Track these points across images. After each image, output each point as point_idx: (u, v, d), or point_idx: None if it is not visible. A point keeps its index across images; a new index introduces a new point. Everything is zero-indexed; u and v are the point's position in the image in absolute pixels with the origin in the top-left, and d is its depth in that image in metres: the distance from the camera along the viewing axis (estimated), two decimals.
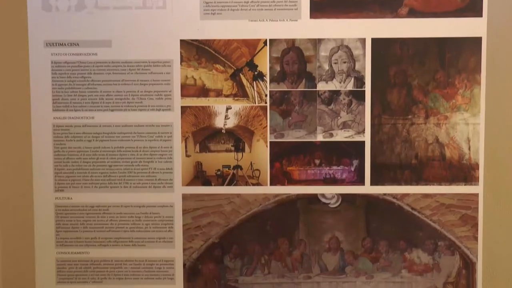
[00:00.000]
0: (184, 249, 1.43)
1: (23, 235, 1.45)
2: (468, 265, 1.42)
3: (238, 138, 1.42)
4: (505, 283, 1.45)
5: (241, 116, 1.41)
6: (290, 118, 1.41)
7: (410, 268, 1.43)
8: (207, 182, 1.42)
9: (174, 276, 1.43)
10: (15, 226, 1.46)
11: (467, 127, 1.40)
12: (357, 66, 1.39)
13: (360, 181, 1.41)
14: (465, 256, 1.42)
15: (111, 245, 1.43)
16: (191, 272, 1.44)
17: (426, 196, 1.41)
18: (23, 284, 1.46)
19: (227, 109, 1.41)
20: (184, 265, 1.43)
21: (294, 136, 1.41)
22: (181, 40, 1.39)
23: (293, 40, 1.39)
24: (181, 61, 1.39)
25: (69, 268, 1.44)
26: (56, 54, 1.40)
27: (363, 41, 1.38)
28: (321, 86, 1.40)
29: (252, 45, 1.39)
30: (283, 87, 1.40)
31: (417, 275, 1.43)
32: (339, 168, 1.42)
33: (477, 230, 1.41)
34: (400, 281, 1.43)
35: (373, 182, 1.41)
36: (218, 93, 1.41)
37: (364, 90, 1.40)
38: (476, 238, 1.41)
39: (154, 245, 1.43)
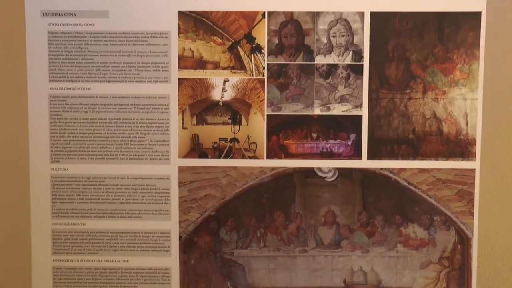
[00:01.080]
0: (180, 222, 1.48)
1: (19, 207, 1.50)
2: (464, 240, 1.47)
3: (235, 111, 1.46)
4: (500, 259, 1.50)
5: (239, 89, 1.46)
6: (288, 91, 1.45)
7: (406, 243, 1.48)
8: (203, 155, 1.47)
9: (170, 248, 1.48)
10: (11, 197, 1.51)
11: (465, 102, 1.44)
12: (356, 40, 1.44)
13: (357, 155, 1.46)
14: (460, 231, 1.47)
15: (107, 216, 1.48)
16: (187, 244, 1.49)
17: (422, 171, 1.46)
18: (19, 254, 1.51)
19: (225, 81, 1.46)
20: (180, 237, 1.48)
21: (291, 109, 1.45)
22: (179, 12, 1.43)
23: (292, 13, 1.43)
24: (179, 32, 1.43)
25: (65, 239, 1.49)
26: (53, 24, 1.44)
27: (361, 14, 1.43)
28: (319, 60, 1.45)
29: (250, 17, 1.43)
30: (281, 60, 1.45)
31: (412, 250, 1.48)
32: (336, 142, 1.46)
33: (473, 205, 1.46)
34: (395, 255, 1.48)
35: (370, 157, 1.46)
36: (216, 66, 1.45)
37: (362, 64, 1.44)
38: (472, 214, 1.46)
39: (150, 217, 1.48)
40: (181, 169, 1.47)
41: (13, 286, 1.55)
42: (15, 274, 1.54)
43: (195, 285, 1.50)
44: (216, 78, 1.46)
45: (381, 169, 1.47)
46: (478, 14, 1.42)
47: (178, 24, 1.44)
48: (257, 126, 1.46)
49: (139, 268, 1.50)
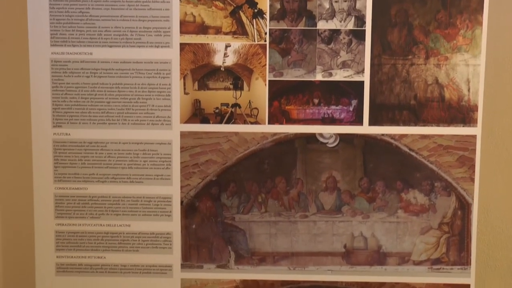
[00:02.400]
0: (181, 187, 1.55)
1: (21, 170, 1.57)
2: (464, 206, 1.54)
3: (237, 76, 1.53)
4: (499, 225, 1.58)
5: (240, 54, 1.52)
6: (289, 56, 1.51)
7: (406, 209, 1.55)
8: (205, 120, 1.53)
9: (172, 213, 1.56)
10: (13, 162, 1.59)
11: (467, 68, 1.50)
12: (358, 5, 1.49)
13: (359, 121, 1.53)
14: (461, 197, 1.54)
15: (109, 181, 1.56)
16: (188, 209, 1.56)
17: (424, 137, 1.53)
18: (22, 219, 1.59)
19: (226, 46, 1.52)
20: (182, 202, 1.56)
21: (293, 75, 1.51)
22: None
23: None
24: None
25: (67, 204, 1.57)
26: None
27: None
28: (321, 25, 1.51)
29: None
30: (282, 25, 1.51)
31: (413, 216, 1.55)
32: (337, 107, 1.53)
33: (474, 171, 1.53)
34: (396, 221, 1.56)
35: (372, 123, 1.52)
36: (218, 31, 1.51)
37: (364, 30, 1.50)
38: (472, 180, 1.53)
39: (151, 182, 1.55)
40: (183, 134, 1.54)
41: (16, 250, 1.62)
42: (19, 238, 1.62)
43: (197, 249, 1.58)
44: (217, 43, 1.52)
45: (383, 135, 1.53)
46: None
47: None
48: (258, 92, 1.53)
49: (141, 232, 1.57)
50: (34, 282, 1.60)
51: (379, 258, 1.59)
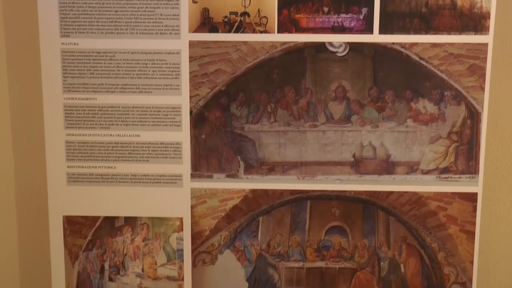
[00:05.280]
0: (190, 97, 1.71)
1: (30, 82, 1.73)
2: (473, 115, 1.70)
3: None
4: (508, 134, 1.74)
5: None
6: None
7: (416, 118, 1.71)
8: (214, 29, 1.68)
9: (181, 123, 1.72)
10: (22, 72, 1.74)
11: None
12: None
13: (369, 29, 1.66)
14: (470, 106, 1.69)
15: (118, 91, 1.71)
16: (198, 119, 1.73)
17: (434, 45, 1.67)
18: (33, 128, 1.76)
19: None
20: (191, 112, 1.72)
21: None
22: None
23: None
24: None
25: (76, 114, 1.73)
26: None
27: None
28: None
29: None
30: None
31: (422, 125, 1.71)
32: (347, 16, 1.66)
33: (484, 80, 1.68)
34: (405, 130, 1.71)
35: (382, 31, 1.67)
36: None
37: None
38: (482, 88, 1.68)
39: (160, 92, 1.71)
40: (192, 44, 1.68)
41: (28, 161, 1.79)
42: (30, 149, 1.78)
43: (206, 159, 1.75)
44: None
45: (393, 43, 1.67)
46: None
47: None
48: (268, 0, 1.65)
49: (151, 142, 1.74)
50: (46, 192, 1.77)
51: (387, 167, 1.75)
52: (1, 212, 1.86)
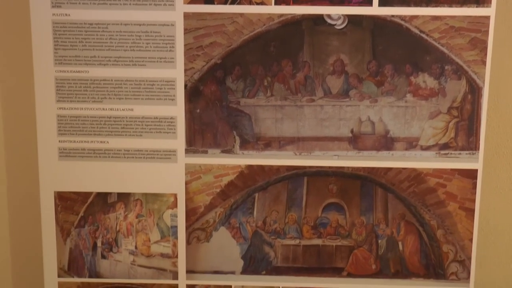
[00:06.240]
0: (185, 70, 1.72)
1: (20, 54, 1.73)
2: (474, 90, 1.71)
3: None
4: (510, 109, 1.75)
5: None
6: None
7: (415, 93, 1.72)
8: (209, 0, 1.69)
9: (175, 97, 1.73)
10: (11, 44, 1.74)
11: None
12: None
13: (368, 1, 1.69)
14: (471, 81, 1.70)
15: (110, 64, 1.72)
16: (193, 93, 1.74)
17: (435, 18, 1.68)
18: (23, 102, 1.77)
19: None
20: (186, 85, 1.73)
21: None
22: None
23: None
24: None
25: (68, 87, 1.74)
26: None
27: None
28: None
29: None
30: None
31: (421, 100, 1.73)
32: None
33: (485, 54, 1.69)
34: (404, 105, 1.73)
35: (381, 3, 1.69)
36: None
37: None
38: (484, 63, 1.69)
39: (154, 65, 1.72)
40: (186, 16, 1.69)
41: (18, 135, 1.80)
42: (20, 121, 1.79)
43: (201, 134, 1.76)
44: None
45: (393, 16, 1.69)
46: None
47: None
48: None
49: (144, 117, 1.75)
50: (37, 167, 1.78)
51: (386, 143, 1.77)
52: None
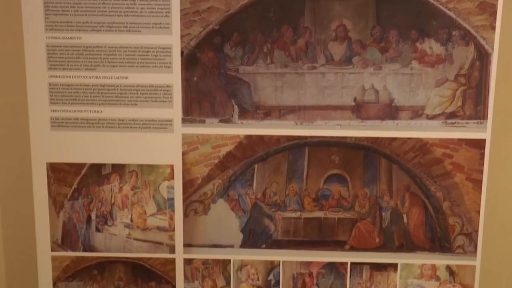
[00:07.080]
0: (181, 36, 1.70)
1: (10, 20, 1.70)
2: (483, 57, 1.69)
3: None
4: None
5: None
6: None
7: (421, 59, 1.70)
8: None
9: (171, 64, 1.71)
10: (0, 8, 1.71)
11: None
12: None
13: None
14: (480, 47, 1.68)
15: (104, 30, 1.70)
16: (189, 60, 1.72)
17: None
18: (13, 70, 1.74)
19: None
20: (182, 52, 1.71)
21: None
22: None
23: None
24: None
25: (60, 54, 1.72)
26: None
27: None
28: None
29: None
30: None
31: (428, 67, 1.70)
32: None
33: (495, 19, 1.67)
34: (409, 72, 1.70)
35: None
36: None
37: None
38: (493, 28, 1.67)
39: (150, 31, 1.70)
40: None
41: (8, 103, 1.78)
42: (11, 92, 1.76)
43: (198, 103, 1.74)
44: None
45: None
46: None
47: None
48: None
49: (139, 85, 1.73)
50: (29, 137, 1.76)
51: (390, 112, 1.75)
52: None
